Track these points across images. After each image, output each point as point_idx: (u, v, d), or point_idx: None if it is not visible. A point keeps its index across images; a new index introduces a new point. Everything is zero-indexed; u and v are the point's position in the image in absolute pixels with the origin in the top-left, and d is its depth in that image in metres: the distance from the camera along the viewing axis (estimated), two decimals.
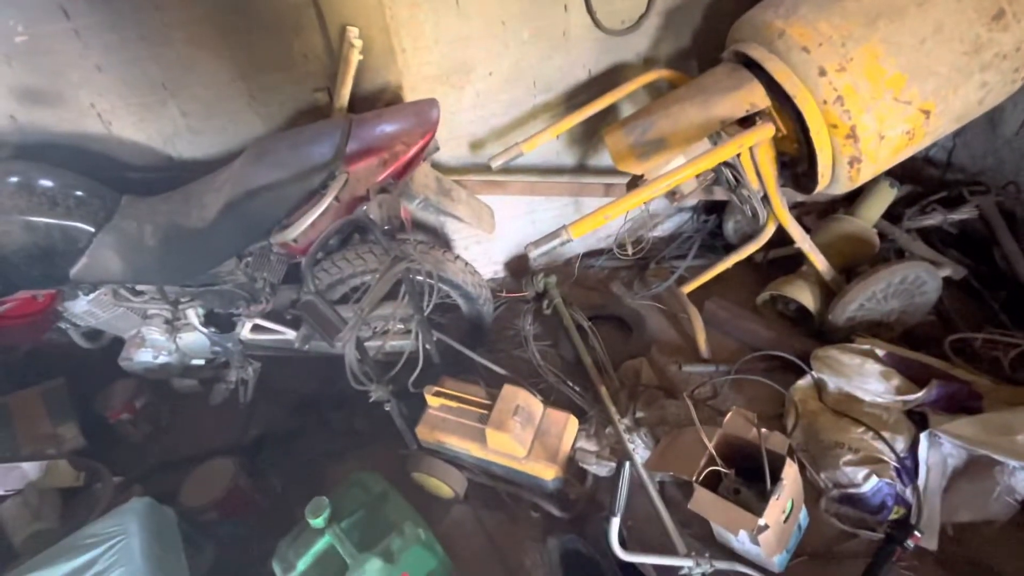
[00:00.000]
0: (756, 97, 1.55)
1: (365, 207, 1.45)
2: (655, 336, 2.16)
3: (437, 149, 1.70)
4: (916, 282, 1.79)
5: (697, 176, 1.72)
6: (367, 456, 1.88)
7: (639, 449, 1.69)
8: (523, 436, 1.57)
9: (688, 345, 2.13)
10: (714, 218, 2.46)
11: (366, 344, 1.83)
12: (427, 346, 1.67)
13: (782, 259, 2.25)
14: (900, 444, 1.53)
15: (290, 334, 1.75)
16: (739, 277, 2.27)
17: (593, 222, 1.48)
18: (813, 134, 1.50)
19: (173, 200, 1.57)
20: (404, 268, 1.41)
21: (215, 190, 1.52)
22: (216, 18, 1.54)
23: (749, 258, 2.13)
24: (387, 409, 1.58)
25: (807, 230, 1.91)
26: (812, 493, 1.61)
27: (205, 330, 1.76)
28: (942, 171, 2.25)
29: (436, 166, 2.12)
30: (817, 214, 2.28)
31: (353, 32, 1.61)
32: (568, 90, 2.08)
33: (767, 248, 2.08)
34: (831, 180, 1.64)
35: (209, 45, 1.58)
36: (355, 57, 1.61)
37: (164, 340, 1.79)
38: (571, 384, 1.97)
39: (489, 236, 1.96)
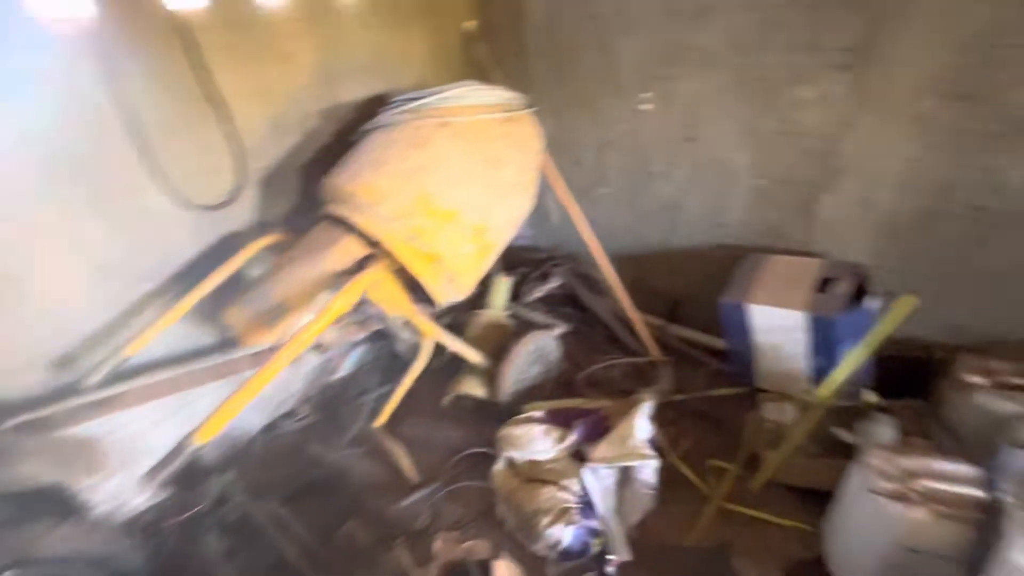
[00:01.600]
0: (354, 248, 1.73)
1: None
2: (365, 483, 2.05)
3: None
4: (541, 347, 2.24)
5: (335, 324, 1.78)
6: None
7: None
8: None
9: (400, 476, 2.09)
10: (386, 343, 2.58)
11: None
12: None
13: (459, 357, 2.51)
14: (576, 486, 1.80)
15: None
16: (427, 387, 2.39)
17: (222, 419, 1.33)
18: (409, 266, 1.75)
19: None
20: None
21: None
22: None
23: (429, 368, 2.28)
24: None
25: (460, 329, 2.18)
26: (540, 566, 1.72)
27: None
28: (534, 254, 2.96)
29: (8, 407, 1.60)
30: (467, 311, 2.66)
31: None
32: (177, 272, 1.92)
33: (438, 353, 2.27)
34: (445, 294, 1.93)
35: None
36: None
37: None
38: None
39: (105, 473, 1.55)
